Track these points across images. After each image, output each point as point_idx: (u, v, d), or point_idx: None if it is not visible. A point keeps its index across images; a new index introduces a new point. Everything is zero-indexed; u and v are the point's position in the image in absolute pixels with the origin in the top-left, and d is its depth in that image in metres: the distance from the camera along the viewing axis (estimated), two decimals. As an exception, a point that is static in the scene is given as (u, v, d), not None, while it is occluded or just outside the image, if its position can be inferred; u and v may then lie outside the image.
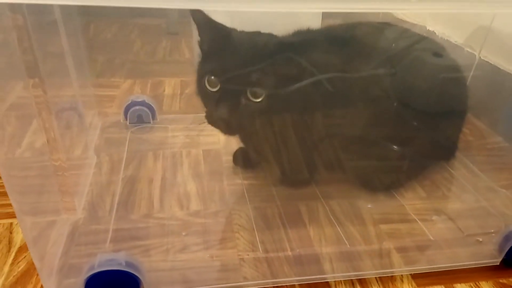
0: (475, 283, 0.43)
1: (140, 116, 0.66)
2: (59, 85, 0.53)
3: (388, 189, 0.56)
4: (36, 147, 0.45)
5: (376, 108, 0.54)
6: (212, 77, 0.41)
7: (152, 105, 0.67)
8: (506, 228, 0.45)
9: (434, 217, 0.50)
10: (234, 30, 0.44)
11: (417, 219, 0.50)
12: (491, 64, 0.65)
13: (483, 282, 0.43)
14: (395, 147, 0.55)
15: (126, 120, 0.66)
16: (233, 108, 0.42)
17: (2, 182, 0.56)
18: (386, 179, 0.57)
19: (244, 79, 0.41)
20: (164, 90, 0.79)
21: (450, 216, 0.51)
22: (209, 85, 0.42)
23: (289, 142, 0.52)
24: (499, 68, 0.65)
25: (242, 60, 0.42)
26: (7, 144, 0.37)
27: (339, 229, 0.48)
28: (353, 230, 0.49)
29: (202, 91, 0.43)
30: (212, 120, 0.43)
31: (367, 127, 0.54)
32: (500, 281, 0.44)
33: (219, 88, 0.41)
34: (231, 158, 0.59)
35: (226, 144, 0.62)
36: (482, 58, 0.66)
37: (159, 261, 0.43)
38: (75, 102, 0.59)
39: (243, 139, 0.54)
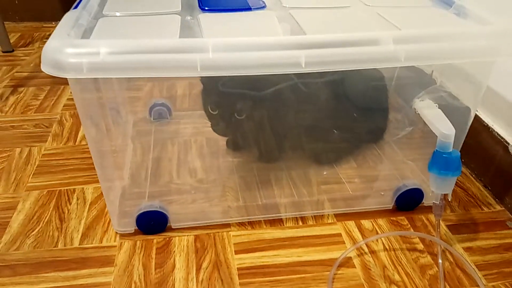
0: (374, 219, 0.69)
1: (160, 113, 0.92)
2: (107, 90, 0.79)
3: (331, 163, 0.81)
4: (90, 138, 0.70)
5: (330, 105, 0.79)
6: (213, 106, 0.67)
7: (169, 105, 0.92)
8: (397, 184, 0.70)
9: (356, 180, 0.77)
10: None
11: (345, 181, 0.76)
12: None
13: (380, 219, 0.69)
14: (335, 131, 0.80)
15: (151, 117, 0.92)
16: (227, 124, 0.67)
17: (71, 162, 0.83)
18: (331, 156, 0.82)
19: (232, 107, 0.66)
20: (176, 91, 1.04)
21: (367, 179, 0.77)
22: (211, 110, 0.67)
23: (264, 133, 0.77)
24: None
25: (229, 95, 0.67)
26: (98, 139, 0.63)
27: (293, 189, 0.74)
28: (303, 189, 0.75)
29: (207, 113, 0.68)
30: (214, 130, 0.69)
31: (322, 119, 0.79)
32: (391, 218, 0.70)
33: (218, 112, 0.67)
34: (225, 143, 0.84)
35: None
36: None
37: (178, 208, 0.70)
38: (116, 102, 0.85)
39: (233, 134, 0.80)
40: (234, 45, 0.50)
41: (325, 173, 0.79)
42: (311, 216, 0.69)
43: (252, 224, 0.68)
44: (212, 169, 0.80)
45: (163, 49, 0.49)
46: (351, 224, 0.68)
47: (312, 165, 0.81)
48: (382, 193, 0.73)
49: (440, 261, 0.60)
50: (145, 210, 0.64)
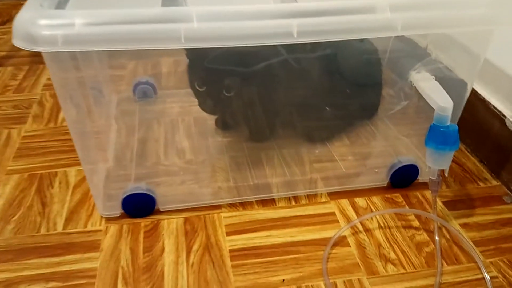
0: (369, 197, 0.68)
1: (145, 92, 0.88)
2: (87, 68, 0.74)
3: (324, 141, 0.79)
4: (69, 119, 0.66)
5: (322, 81, 0.76)
6: (200, 83, 0.63)
7: (154, 83, 0.89)
8: (392, 161, 0.68)
9: (349, 157, 0.74)
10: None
11: (338, 159, 0.74)
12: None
13: (374, 197, 0.68)
14: (327, 108, 0.78)
15: (135, 95, 0.88)
16: (216, 101, 0.64)
17: (53, 144, 0.79)
18: (323, 133, 0.80)
19: (220, 83, 0.63)
20: (161, 69, 1.00)
21: (360, 157, 0.75)
22: (198, 87, 0.63)
23: (255, 111, 0.74)
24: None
25: (217, 71, 0.63)
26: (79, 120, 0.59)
27: (285, 168, 0.72)
28: (295, 168, 0.72)
29: (193, 89, 0.64)
30: (202, 108, 0.65)
31: (314, 96, 0.76)
32: (386, 196, 0.68)
33: (205, 89, 0.63)
34: (214, 122, 0.81)
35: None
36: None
37: (167, 190, 0.67)
38: (97, 81, 0.81)
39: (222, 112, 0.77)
40: (221, 14, 0.46)
41: (317, 151, 0.77)
42: (304, 195, 0.67)
43: (243, 205, 0.66)
44: (201, 150, 0.77)
45: (143, 19, 0.45)
46: (344, 202, 0.66)
47: (304, 143, 0.78)
48: (376, 170, 0.71)
49: (437, 238, 0.58)
50: (131, 192, 0.61)
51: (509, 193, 0.68)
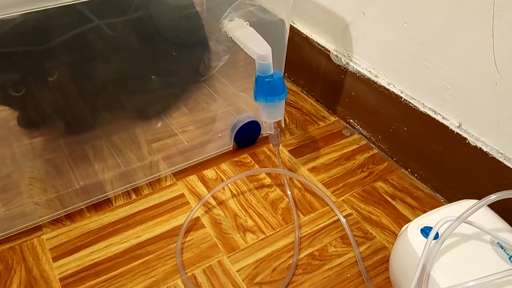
0: (217, 166, 0.62)
1: None
2: None
3: (159, 114, 0.70)
4: None
5: (142, 48, 0.65)
6: None
7: None
8: (233, 121, 0.63)
9: (190, 127, 0.67)
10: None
11: (178, 132, 0.66)
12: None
13: (223, 164, 0.62)
14: (153, 77, 0.68)
15: None
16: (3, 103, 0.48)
17: None
18: (157, 107, 0.70)
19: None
20: None
21: (202, 124, 0.68)
22: None
23: (67, 97, 0.60)
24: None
25: None
26: None
27: (117, 158, 0.61)
28: (130, 154, 0.62)
29: None
30: None
31: (137, 66, 0.65)
32: (234, 159, 0.63)
33: None
34: (16, 122, 0.65)
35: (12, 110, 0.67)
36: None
37: (-40, 228, 0.51)
38: None
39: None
40: None
41: (159, 124, 0.67)
42: (146, 184, 0.58)
43: (71, 216, 0.54)
44: (4, 161, 0.60)
45: None
46: (193, 179, 0.60)
47: (137, 123, 0.68)
48: (220, 135, 0.65)
49: (288, 192, 0.56)
50: None
51: (347, 126, 0.70)
